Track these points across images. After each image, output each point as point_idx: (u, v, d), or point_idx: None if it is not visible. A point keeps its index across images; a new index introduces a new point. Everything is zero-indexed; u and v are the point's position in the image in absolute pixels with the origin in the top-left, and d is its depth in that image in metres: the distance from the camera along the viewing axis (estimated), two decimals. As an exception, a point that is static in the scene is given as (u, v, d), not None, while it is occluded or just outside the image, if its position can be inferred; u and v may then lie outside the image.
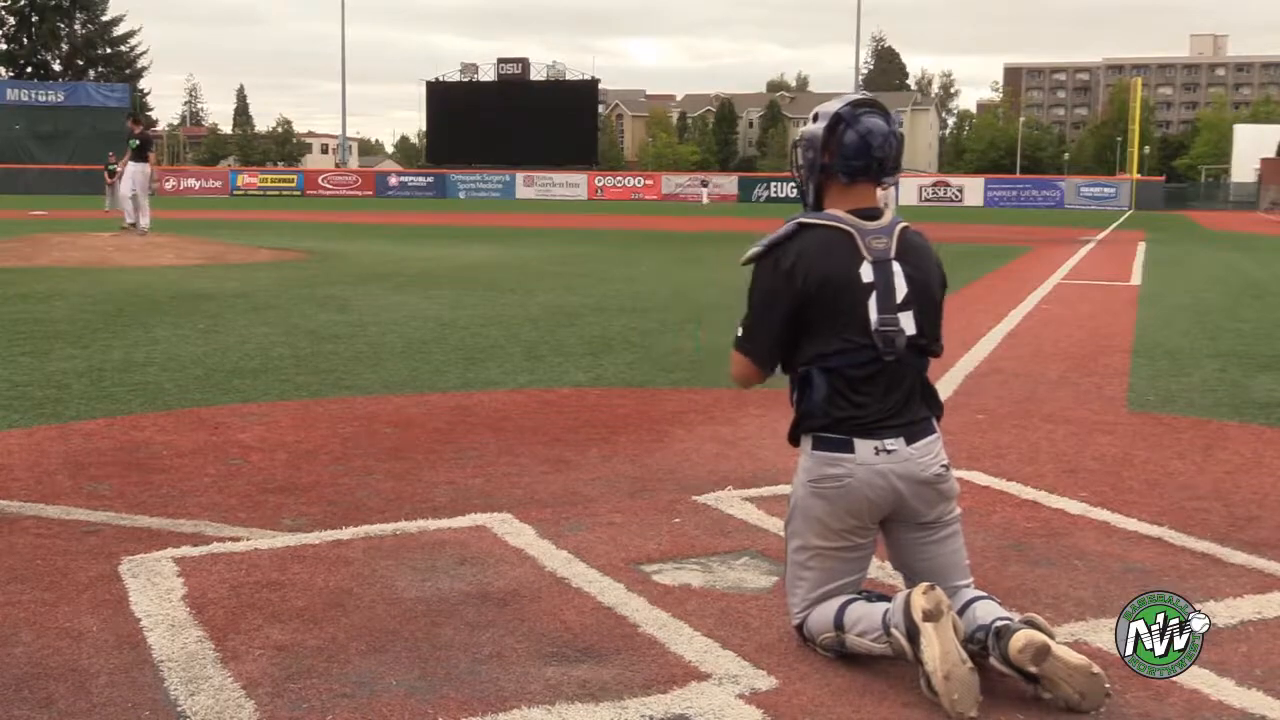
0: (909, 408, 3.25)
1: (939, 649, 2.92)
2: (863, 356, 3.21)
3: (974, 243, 26.03)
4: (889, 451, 3.19)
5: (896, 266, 3.24)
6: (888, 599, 3.19)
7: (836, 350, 3.21)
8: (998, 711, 2.95)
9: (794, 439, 3.36)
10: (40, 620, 3.50)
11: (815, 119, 3.34)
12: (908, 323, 3.23)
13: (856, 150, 3.25)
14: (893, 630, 3.05)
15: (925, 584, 3.05)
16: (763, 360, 3.35)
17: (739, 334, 3.38)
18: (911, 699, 3.02)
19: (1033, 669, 2.92)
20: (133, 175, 20.95)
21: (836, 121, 3.28)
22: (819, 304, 3.21)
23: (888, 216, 3.32)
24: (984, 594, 3.26)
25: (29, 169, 63.25)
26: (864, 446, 3.19)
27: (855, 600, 3.25)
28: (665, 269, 17.83)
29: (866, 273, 3.22)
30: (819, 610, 3.27)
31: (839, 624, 3.20)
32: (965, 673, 2.90)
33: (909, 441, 3.21)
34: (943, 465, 3.29)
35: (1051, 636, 3.00)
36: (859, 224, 3.25)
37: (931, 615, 2.96)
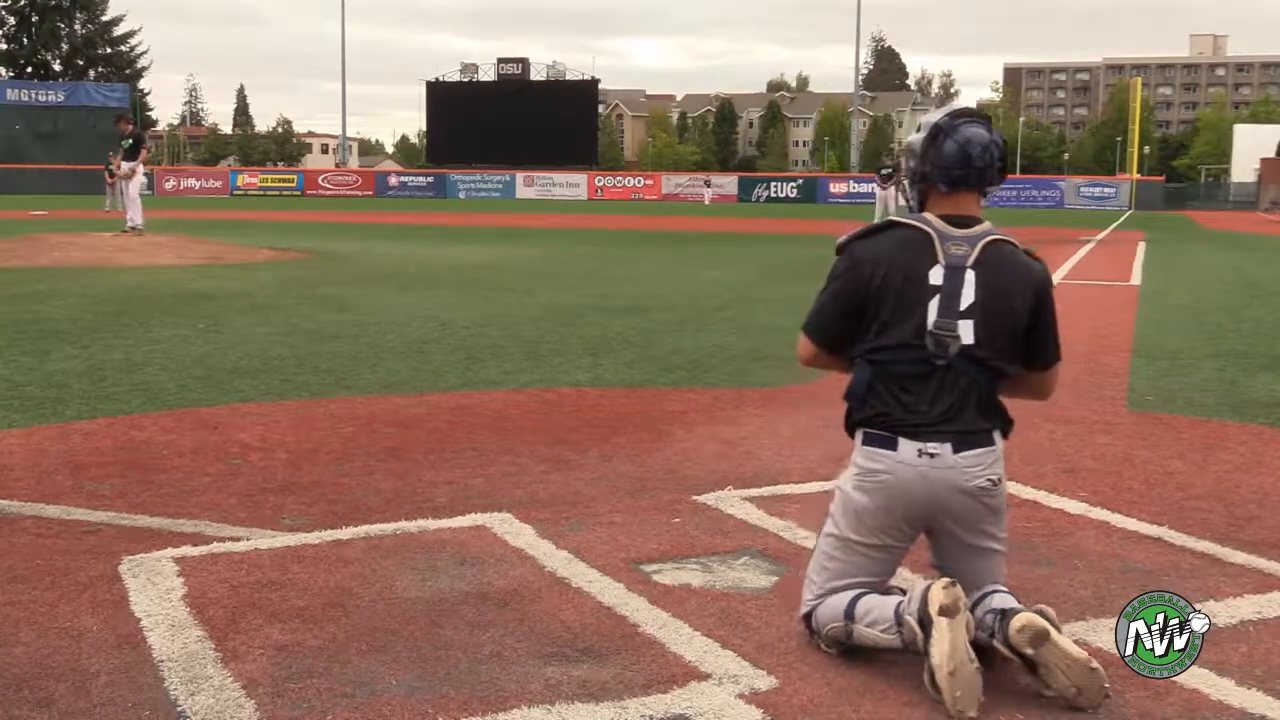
0: (962, 416, 3.22)
1: (949, 645, 2.92)
2: (911, 355, 3.22)
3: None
4: (931, 455, 3.18)
5: (970, 275, 3.24)
6: (902, 593, 3.22)
7: (887, 345, 3.25)
8: (998, 711, 2.95)
9: (849, 429, 3.38)
10: (40, 620, 3.50)
11: (919, 129, 3.40)
12: (965, 331, 3.22)
13: (956, 160, 3.28)
14: (906, 618, 3.06)
15: (947, 579, 3.06)
16: (819, 339, 3.40)
17: (806, 316, 3.45)
18: (912, 698, 3.03)
19: (1029, 651, 2.94)
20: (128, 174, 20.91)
21: (936, 131, 3.32)
22: (880, 297, 3.25)
23: (982, 228, 3.31)
24: (1006, 590, 3.28)
25: (29, 169, 63.22)
26: (907, 446, 3.20)
27: (868, 593, 3.26)
28: (666, 269, 17.83)
29: (936, 276, 3.24)
30: (831, 600, 3.29)
31: (849, 614, 3.21)
32: (971, 672, 2.91)
33: (956, 449, 3.19)
34: (991, 479, 3.24)
35: (1057, 628, 3.01)
36: (943, 228, 3.28)
37: (948, 610, 2.97)
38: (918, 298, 3.23)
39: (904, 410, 3.21)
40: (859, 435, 3.32)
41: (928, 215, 3.32)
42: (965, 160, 3.27)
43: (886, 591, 3.31)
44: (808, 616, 3.36)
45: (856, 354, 3.33)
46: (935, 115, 3.39)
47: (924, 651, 3.00)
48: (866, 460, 3.27)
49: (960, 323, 3.21)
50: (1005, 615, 3.03)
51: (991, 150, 3.29)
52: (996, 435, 3.28)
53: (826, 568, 3.35)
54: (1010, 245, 3.33)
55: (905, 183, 3.46)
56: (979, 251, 3.25)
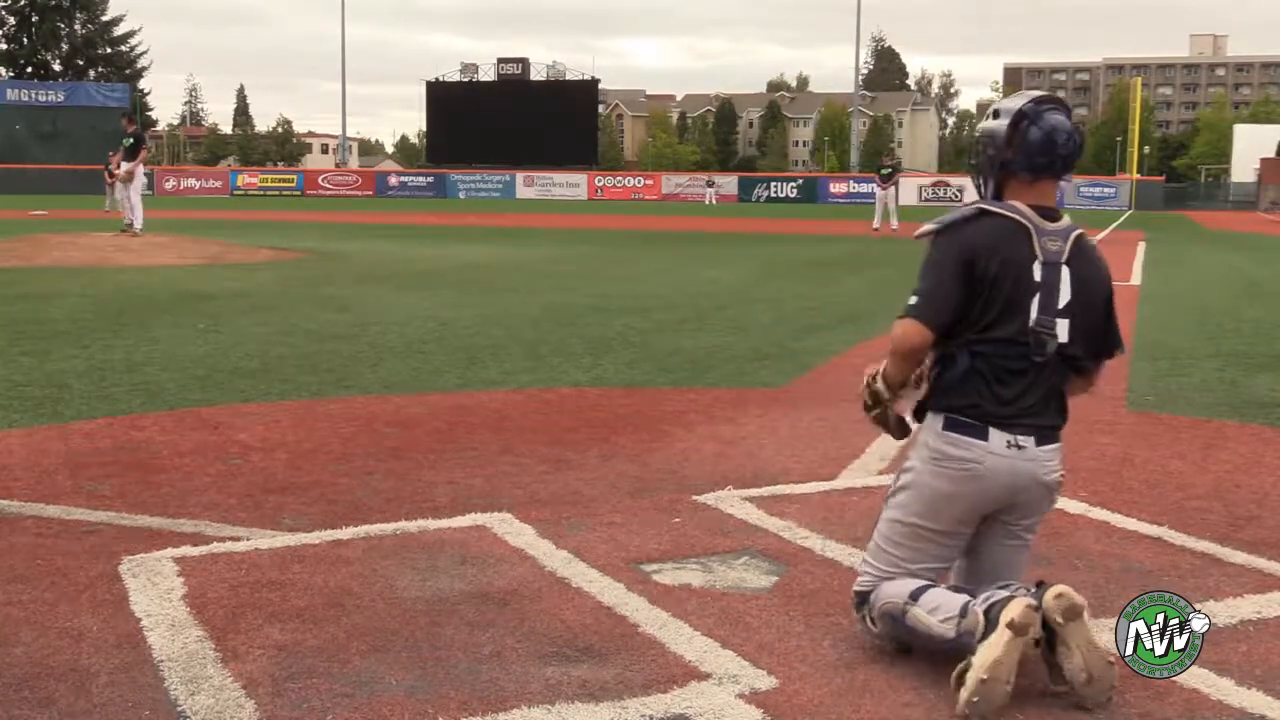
0: (1045, 411, 3.25)
1: (1000, 655, 2.90)
2: (1013, 351, 3.20)
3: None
4: (1020, 448, 3.19)
5: (1066, 271, 3.23)
6: (969, 593, 3.18)
7: (992, 339, 3.20)
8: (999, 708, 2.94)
9: (920, 415, 3.33)
10: (40, 620, 3.50)
11: (996, 115, 3.33)
12: (1062, 329, 3.22)
13: (1042, 147, 3.24)
14: (974, 608, 3.04)
15: (1032, 602, 2.98)
16: (935, 324, 3.23)
17: (912, 302, 3.25)
18: (912, 699, 3.03)
19: (1059, 620, 2.95)
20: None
21: (1020, 118, 3.26)
22: (991, 288, 3.19)
23: (1065, 221, 3.28)
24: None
25: (29, 169, 63.22)
26: (998, 437, 3.19)
27: (936, 587, 3.24)
28: (666, 269, 17.83)
29: (1036, 271, 3.21)
30: (897, 581, 3.27)
31: (914, 596, 3.19)
32: (1002, 692, 2.89)
33: (1039, 443, 3.22)
34: (1062, 475, 3.31)
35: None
36: (1039, 222, 3.23)
37: (1018, 628, 2.92)
38: (1025, 293, 3.19)
39: (996, 402, 3.20)
40: (938, 420, 3.26)
41: (1018, 205, 3.25)
42: (1051, 147, 3.23)
43: (954, 589, 3.28)
44: (863, 594, 3.33)
45: (957, 344, 3.24)
46: (1017, 101, 3.32)
47: (972, 647, 2.96)
48: (951, 447, 3.22)
49: (1058, 321, 3.21)
50: (1043, 584, 3.06)
51: (1074, 138, 3.27)
52: (1059, 432, 3.32)
53: (891, 553, 3.32)
54: (1088, 239, 3.33)
55: (976, 171, 3.39)
56: (1070, 247, 3.24)
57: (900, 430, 3.47)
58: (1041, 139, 3.24)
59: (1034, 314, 3.20)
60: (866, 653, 3.33)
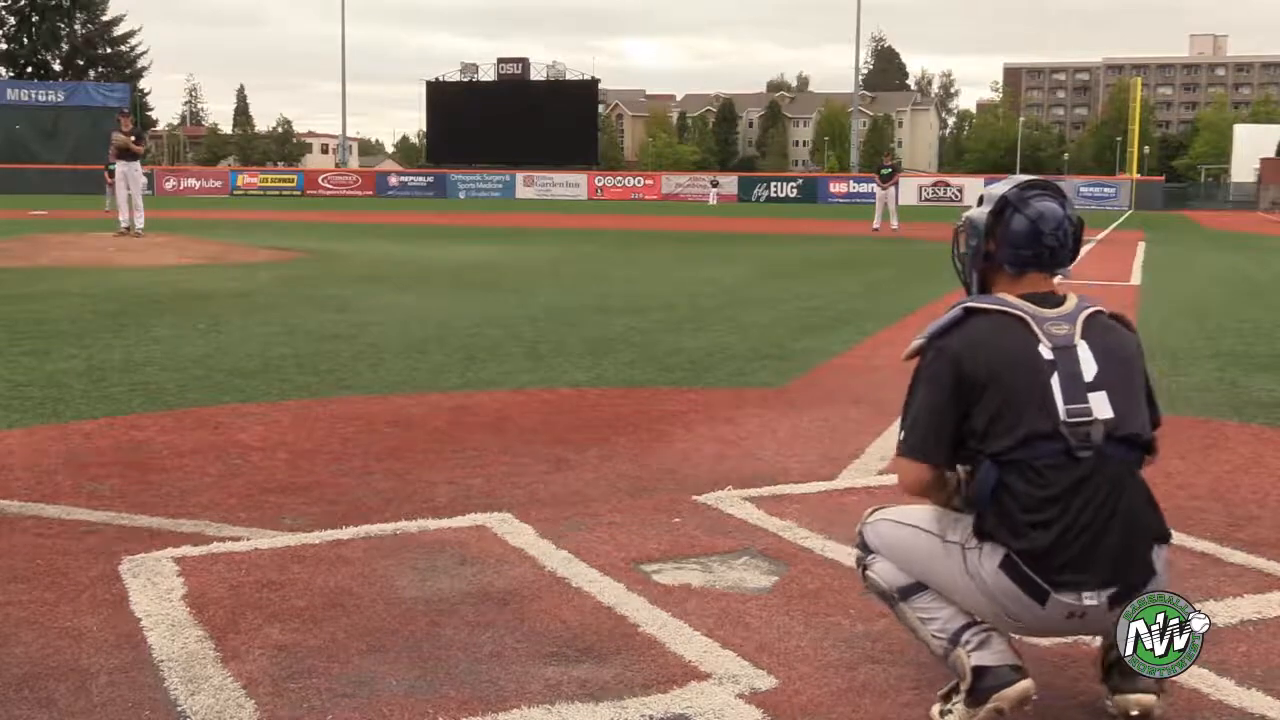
0: (1125, 542, 2.74)
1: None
2: (1047, 450, 2.73)
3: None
4: (1082, 616, 2.75)
5: (1083, 347, 2.82)
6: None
7: (1016, 439, 2.74)
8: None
9: (980, 534, 2.81)
10: (40, 620, 3.50)
11: (980, 202, 3.03)
12: (1100, 405, 2.76)
13: (1026, 238, 2.90)
14: (967, 652, 2.80)
15: (1029, 690, 2.76)
16: (930, 456, 2.85)
17: (899, 438, 2.91)
18: (911, 699, 3.03)
19: (1133, 714, 2.85)
20: (126, 174, 20.81)
21: (1003, 206, 2.94)
22: (989, 388, 2.78)
23: (1071, 303, 2.90)
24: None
25: (29, 169, 63.22)
26: (1057, 606, 2.73)
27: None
28: (666, 269, 17.82)
29: (1045, 354, 2.80)
30: (890, 564, 2.99)
31: (906, 594, 2.94)
32: None
33: (1114, 604, 2.72)
34: None
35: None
36: (1034, 310, 2.85)
37: (1004, 713, 2.76)
38: (1035, 378, 2.77)
39: (1050, 541, 2.70)
40: (996, 554, 2.76)
41: (1007, 296, 2.90)
42: (1036, 239, 2.89)
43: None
44: (866, 545, 3.06)
45: (974, 454, 2.82)
46: (1001, 187, 2.99)
47: (955, 687, 2.85)
48: (1001, 596, 2.76)
49: (1092, 396, 2.77)
50: (1130, 676, 2.83)
51: (1065, 227, 2.92)
52: (1158, 556, 2.82)
53: (889, 541, 3.00)
54: (1112, 316, 2.95)
55: (961, 264, 3.07)
56: (1081, 327, 2.85)
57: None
58: (1026, 229, 2.90)
59: (1060, 404, 2.75)
60: (866, 653, 3.33)
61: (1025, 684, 2.75)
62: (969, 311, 2.90)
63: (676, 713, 2.94)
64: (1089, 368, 2.80)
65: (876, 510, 3.13)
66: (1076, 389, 2.77)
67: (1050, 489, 2.72)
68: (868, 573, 3.05)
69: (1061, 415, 2.74)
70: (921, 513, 2.99)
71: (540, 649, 3.32)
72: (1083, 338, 2.83)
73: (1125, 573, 2.75)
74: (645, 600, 3.71)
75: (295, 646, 3.32)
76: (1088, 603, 2.72)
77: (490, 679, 3.12)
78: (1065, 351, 2.81)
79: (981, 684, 2.76)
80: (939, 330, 2.90)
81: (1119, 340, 2.90)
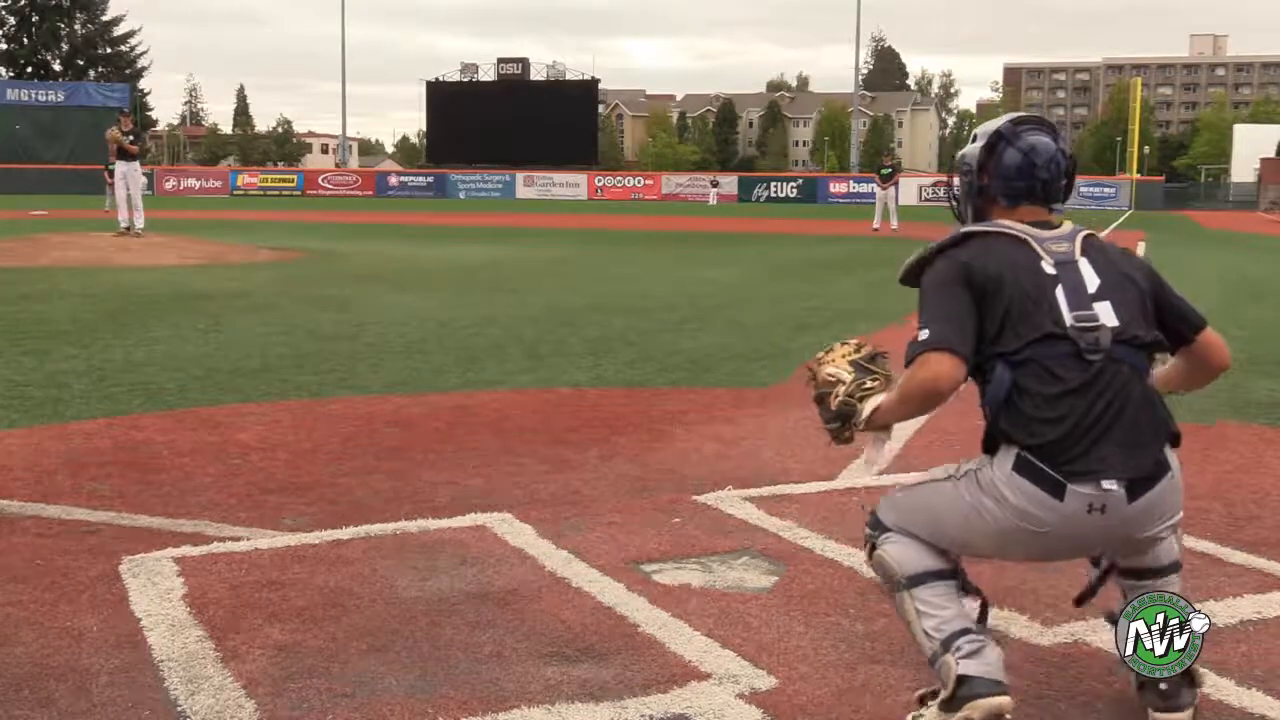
0: (1138, 440, 2.77)
1: None
2: (1059, 351, 2.75)
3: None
4: (1103, 510, 2.72)
5: (1084, 263, 2.86)
6: (976, 593, 2.94)
7: (1027, 340, 2.77)
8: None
9: (989, 447, 2.82)
10: (40, 620, 3.50)
11: (974, 139, 3.07)
12: (1106, 313, 2.80)
13: (1019, 170, 2.94)
14: (955, 659, 2.76)
15: (1005, 707, 2.75)
16: (963, 348, 2.79)
17: (921, 337, 2.83)
18: (911, 699, 3.02)
19: None
20: (126, 174, 20.78)
21: (996, 139, 2.99)
22: (999, 296, 2.80)
23: (1067, 226, 2.95)
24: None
25: (29, 169, 63.20)
26: (1076, 498, 2.70)
27: (944, 580, 2.88)
28: (666, 269, 17.82)
29: (1048, 268, 2.84)
30: (907, 551, 2.91)
31: (915, 581, 2.86)
32: None
33: (1132, 496, 2.74)
34: (1170, 524, 2.93)
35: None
36: (1033, 231, 2.90)
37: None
38: (1043, 291, 2.80)
39: (1067, 433, 2.71)
40: (1009, 457, 2.75)
41: (1004, 220, 2.95)
42: (1029, 170, 2.94)
43: (965, 586, 2.92)
44: (879, 523, 3.00)
45: (987, 360, 2.82)
46: (995, 123, 3.05)
47: (938, 692, 2.83)
48: (1019, 499, 2.73)
49: (1097, 305, 2.80)
50: (1168, 695, 2.84)
51: (1058, 160, 2.96)
52: (1170, 455, 2.88)
53: (913, 523, 2.93)
54: (1099, 237, 3.00)
55: (955, 200, 3.12)
56: (1080, 244, 2.90)
57: (839, 441, 3.16)
58: (1019, 161, 2.94)
59: (1065, 310, 2.78)
60: (866, 653, 3.33)
61: (1002, 700, 2.73)
62: (968, 235, 2.95)
63: (676, 713, 2.94)
64: (1091, 281, 2.85)
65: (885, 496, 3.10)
66: (1081, 299, 2.81)
67: (1062, 385, 2.73)
68: (876, 551, 2.97)
69: (1069, 321, 2.78)
70: (927, 475, 2.99)
71: (540, 649, 3.32)
72: (1083, 254, 2.89)
73: (1140, 460, 2.76)
74: (645, 600, 3.71)
75: (295, 646, 3.32)
76: (1106, 487, 2.69)
77: (490, 679, 3.12)
78: (1067, 266, 2.85)
79: (961, 691, 2.75)
80: (942, 245, 2.94)
81: (1118, 255, 2.96)
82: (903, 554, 2.91)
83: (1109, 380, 2.76)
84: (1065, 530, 2.74)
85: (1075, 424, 2.72)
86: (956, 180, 3.12)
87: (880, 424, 3.05)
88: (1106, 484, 2.70)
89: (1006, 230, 2.91)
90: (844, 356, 3.16)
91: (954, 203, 3.16)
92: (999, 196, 2.98)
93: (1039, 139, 2.98)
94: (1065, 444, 2.71)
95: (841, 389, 3.08)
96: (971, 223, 3.03)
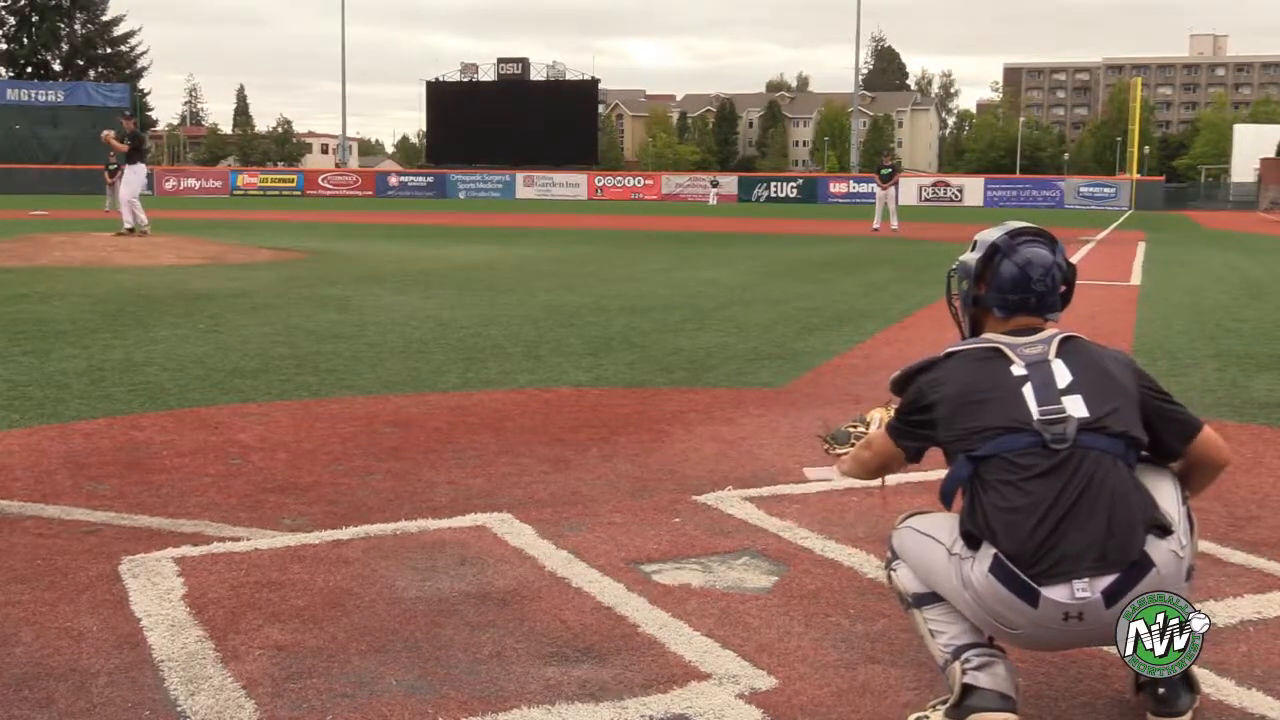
0: (1109, 526, 2.69)
1: None
2: (1023, 443, 2.77)
3: (974, 243, 25.96)
4: (1080, 617, 2.67)
5: (1057, 363, 2.88)
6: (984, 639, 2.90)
7: (988, 428, 2.81)
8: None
9: (972, 544, 2.81)
10: (40, 620, 3.50)
11: (973, 247, 3.13)
12: (1075, 405, 2.80)
13: (1014, 283, 2.99)
14: (961, 670, 2.79)
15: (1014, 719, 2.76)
16: (905, 448, 3.07)
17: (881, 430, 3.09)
18: (911, 699, 3.03)
19: None
20: (127, 175, 20.80)
21: (993, 252, 3.04)
22: (962, 409, 2.87)
23: (1049, 331, 2.98)
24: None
25: (29, 169, 63.21)
26: (1051, 606, 2.67)
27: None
28: (666, 269, 17.82)
29: (1019, 370, 2.88)
30: (914, 574, 3.00)
31: (920, 601, 2.95)
32: None
33: (1111, 601, 2.67)
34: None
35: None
36: (1008, 340, 2.95)
37: None
38: (1007, 387, 2.84)
39: (1031, 525, 2.69)
40: (986, 558, 2.74)
41: (990, 334, 3.03)
42: (1025, 284, 2.98)
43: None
44: (894, 549, 3.07)
45: (951, 452, 2.90)
46: (993, 234, 3.09)
47: (948, 694, 2.85)
48: (994, 602, 2.73)
49: (1065, 399, 2.81)
50: (1166, 700, 2.82)
51: (1054, 273, 3.00)
52: (1157, 547, 2.74)
53: (917, 569, 2.99)
54: (1088, 341, 2.99)
55: (956, 306, 3.20)
56: (1056, 347, 2.92)
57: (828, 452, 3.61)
58: (1015, 274, 2.99)
59: (1033, 406, 2.80)
60: (866, 653, 3.33)
61: (1007, 717, 2.74)
62: (950, 355, 3.02)
63: (676, 713, 2.94)
64: (1063, 377, 2.86)
65: (908, 516, 3.13)
66: (1049, 394, 2.82)
67: (1024, 472, 2.74)
68: (892, 576, 3.09)
69: (1035, 415, 2.80)
70: (940, 523, 2.98)
71: (540, 649, 3.32)
72: (1058, 356, 2.90)
73: (1115, 558, 2.69)
74: (645, 600, 3.71)
75: (295, 646, 3.32)
76: (1080, 595, 2.66)
77: (490, 679, 3.12)
78: (1038, 366, 2.88)
79: (966, 701, 2.76)
80: (915, 368, 3.06)
81: (1098, 354, 2.95)
82: (910, 578, 3.01)
83: (1076, 466, 2.74)
84: (1042, 637, 2.77)
85: (1044, 513, 2.70)
86: (954, 284, 3.22)
87: (843, 470, 3.43)
88: (1080, 587, 2.67)
89: (983, 344, 2.98)
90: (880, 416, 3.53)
91: (953, 308, 3.25)
92: (994, 308, 3.05)
93: (1035, 251, 3.02)
94: (1034, 535, 2.69)
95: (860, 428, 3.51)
96: (968, 331, 3.14)
